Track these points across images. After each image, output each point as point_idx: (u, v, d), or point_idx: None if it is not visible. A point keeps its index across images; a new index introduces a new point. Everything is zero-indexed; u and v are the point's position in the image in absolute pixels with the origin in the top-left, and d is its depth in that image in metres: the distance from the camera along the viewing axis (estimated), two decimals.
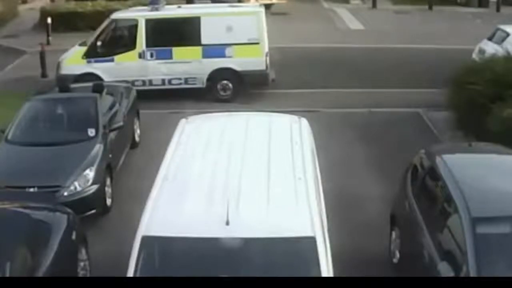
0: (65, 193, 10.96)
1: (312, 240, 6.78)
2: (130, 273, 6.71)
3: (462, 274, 7.34)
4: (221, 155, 8.25)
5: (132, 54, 17.57)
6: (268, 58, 17.72)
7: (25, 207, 9.06)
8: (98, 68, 17.44)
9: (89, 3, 27.56)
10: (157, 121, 15.30)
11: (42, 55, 20.14)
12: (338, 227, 9.01)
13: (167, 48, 17.60)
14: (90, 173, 11.32)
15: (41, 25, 26.53)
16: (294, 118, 9.76)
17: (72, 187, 11.07)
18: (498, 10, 31.06)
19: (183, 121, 9.58)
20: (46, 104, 13.24)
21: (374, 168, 13.30)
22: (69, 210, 9.53)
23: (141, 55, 17.53)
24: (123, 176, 12.89)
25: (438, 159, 9.19)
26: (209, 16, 17.68)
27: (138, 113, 15.08)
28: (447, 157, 9.28)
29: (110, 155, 12.21)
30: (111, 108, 13.46)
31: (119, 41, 18.25)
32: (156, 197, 7.41)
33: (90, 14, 26.38)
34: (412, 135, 14.91)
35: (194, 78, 17.71)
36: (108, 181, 11.85)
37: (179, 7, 18.99)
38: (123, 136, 13.31)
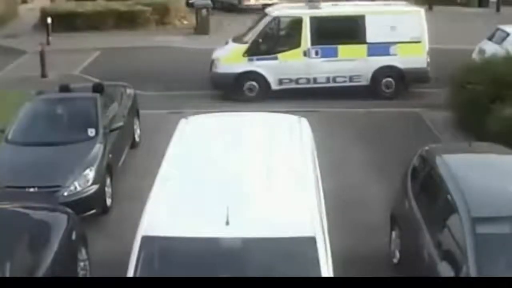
0: (65, 193, 10.95)
1: (312, 240, 6.76)
2: (130, 273, 6.70)
3: (462, 274, 7.33)
4: (221, 155, 8.24)
5: (297, 52, 17.62)
6: (429, 56, 17.83)
7: (25, 207, 9.05)
8: (261, 66, 17.54)
9: (89, 3, 27.59)
10: (157, 121, 15.28)
11: (42, 55, 20.15)
12: (338, 227, 9.00)
13: (332, 46, 17.66)
14: (90, 173, 11.31)
15: (41, 25, 26.56)
16: (294, 118, 9.74)
17: (72, 187, 11.06)
18: (498, 10, 31.11)
19: (183, 121, 9.55)
20: (46, 104, 13.22)
21: (374, 168, 13.29)
22: (69, 210, 9.51)
23: (306, 53, 17.58)
24: (123, 176, 12.88)
25: (438, 159, 9.18)
26: (373, 14, 17.83)
27: (138, 113, 15.07)
28: (447, 157, 9.27)
29: (110, 155, 12.19)
30: (111, 108, 13.45)
31: (282, 39, 18.33)
32: (156, 197, 7.40)
33: (90, 14, 26.45)
34: (412, 135, 14.90)
35: (359, 76, 17.78)
36: (108, 181, 11.84)
37: (335, 5, 19.02)
38: (123, 136, 13.30)
